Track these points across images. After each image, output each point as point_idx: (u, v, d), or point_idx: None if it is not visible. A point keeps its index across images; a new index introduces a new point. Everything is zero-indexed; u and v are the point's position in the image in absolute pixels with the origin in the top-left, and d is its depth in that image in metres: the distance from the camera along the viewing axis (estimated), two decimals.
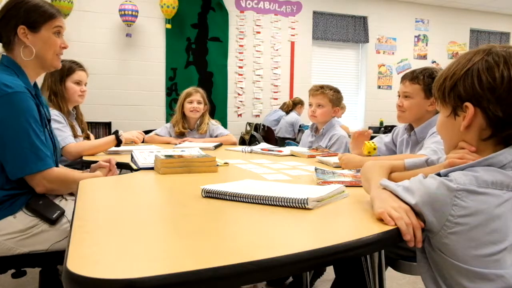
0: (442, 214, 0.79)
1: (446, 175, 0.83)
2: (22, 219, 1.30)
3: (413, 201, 0.82)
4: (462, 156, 0.87)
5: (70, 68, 2.13)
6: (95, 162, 1.65)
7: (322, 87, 2.40)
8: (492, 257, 0.76)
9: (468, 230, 0.77)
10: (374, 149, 1.69)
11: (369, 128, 6.58)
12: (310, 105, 2.43)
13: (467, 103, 0.84)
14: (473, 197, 0.77)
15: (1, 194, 1.28)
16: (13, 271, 1.36)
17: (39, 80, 1.57)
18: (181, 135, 2.90)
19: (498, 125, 0.83)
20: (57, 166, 1.51)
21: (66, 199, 1.45)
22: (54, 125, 1.96)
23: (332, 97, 2.36)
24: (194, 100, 2.89)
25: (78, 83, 2.15)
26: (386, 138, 1.98)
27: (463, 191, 0.78)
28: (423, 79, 1.69)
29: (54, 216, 1.31)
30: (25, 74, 1.39)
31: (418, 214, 0.82)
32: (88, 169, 1.66)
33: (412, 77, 1.73)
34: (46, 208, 1.32)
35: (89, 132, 2.35)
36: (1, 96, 1.24)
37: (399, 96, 1.80)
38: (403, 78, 1.79)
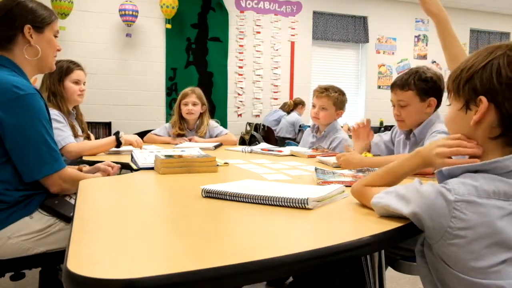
0: (440, 225, 0.75)
1: (448, 176, 0.79)
2: (38, 219, 1.31)
3: (410, 210, 0.79)
4: (459, 144, 0.84)
5: (68, 68, 2.13)
6: (95, 162, 1.65)
7: (327, 89, 2.34)
8: (492, 268, 0.73)
9: (468, 243, 0.73)
10: None
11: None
12: (314, 106, 2.39)
13: (482, 97, 0.80)
14: (474, 209, 0.73)
15: (16, 195, 1.28)
16: (11, 273, 1.36)
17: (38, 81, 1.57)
18: (179, 136, 2.87)
19: (509, 124, 0.79)
20: None
21: (74, 199, 1.46)
22: (54, 124, 1.95)
23: (336, 100, 2.32)
24: (189, 102, 2.80)
25: (76, 82, 2.14)
26: (386, 136, 1.97)
27: (462, 202, 0.74)
28: (414, 83, 1.65)
29: (71, 214, 1.31)
30: (25, 74, 1.39)
31: (417, 222, 0.80)
32: (85, 165, 1.68)
33: (402, 84, 1.68)
34: (63, 207, 1.34)
35: (89, 132, 2.35)
36: (14, 99, 1.23)
37: (393, 105, 1.75)
38: (393, 87, 1.73)
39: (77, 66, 2.18)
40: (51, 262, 1.36)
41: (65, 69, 2.11)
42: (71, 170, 1.41)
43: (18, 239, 1.26)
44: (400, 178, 0.97)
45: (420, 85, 1.65)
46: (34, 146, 1.26)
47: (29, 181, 1.28)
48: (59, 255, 1.32)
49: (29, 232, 1.28)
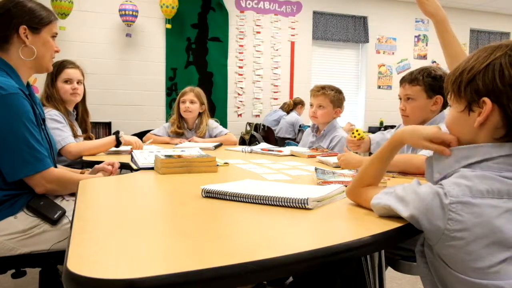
0: (437, 227, 0.76)
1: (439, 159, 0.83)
2: (23, 220, 1.30)
3: (408, 213, 0.79)
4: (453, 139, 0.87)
5: (58, 68, 2.10)
6: (95, 162, 1.65)
7: (323, 87, 2.37)
8: (491, 268, 0.73)
9: (466, 244, 0.74)
10: (359, 134, 1.89)
11: (369, 128, 6.59)
12: (311, 105, 2.42)
13: (485, 98, 0.79)
14: (469, 210, 0.74)
15: (1, 195, 1.28)
16: (13, 271, 1.36)
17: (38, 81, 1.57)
18: (177, 135, 2.85)
19: None
20: (55, 166, 1.52)
21: (66, 200, 1.45)
22: (54, 124, 1.96)
23: (333, 98, 2.35)
24: (187, 99, 2.79)
25: (67, 81, 2.11)
26: (389, 134, 1.96)
27: (457, 203, 0.74)
28: (422, 79, 1.68)
29: (55, 216, 1.31)
30: (18, 75, 1.38)
31: (415, 224, 0.80)
32: (88, 169, 1.66)
33: (411, 79, 1.71)
34: (47, 208, 1.32)
35: (92, 135, 2.32)
36: None
37: (400, 99, 1.78)
38: (402, 81, 1.76)
39: (69, 64, 2.14)
40: (40, 263, 1.35)
41: (56, 69, 2.09)
42: (58, 171, 1.39)
43: (1, 238, 1.26)
44: (384, 163, 0.99)
45: (428, 81, 1.67)
46: (15, 146, 1.26)
47: (11, 180, 1.28)
48: (46, 257, 1.32)
49: (12, 232, 1.27)
